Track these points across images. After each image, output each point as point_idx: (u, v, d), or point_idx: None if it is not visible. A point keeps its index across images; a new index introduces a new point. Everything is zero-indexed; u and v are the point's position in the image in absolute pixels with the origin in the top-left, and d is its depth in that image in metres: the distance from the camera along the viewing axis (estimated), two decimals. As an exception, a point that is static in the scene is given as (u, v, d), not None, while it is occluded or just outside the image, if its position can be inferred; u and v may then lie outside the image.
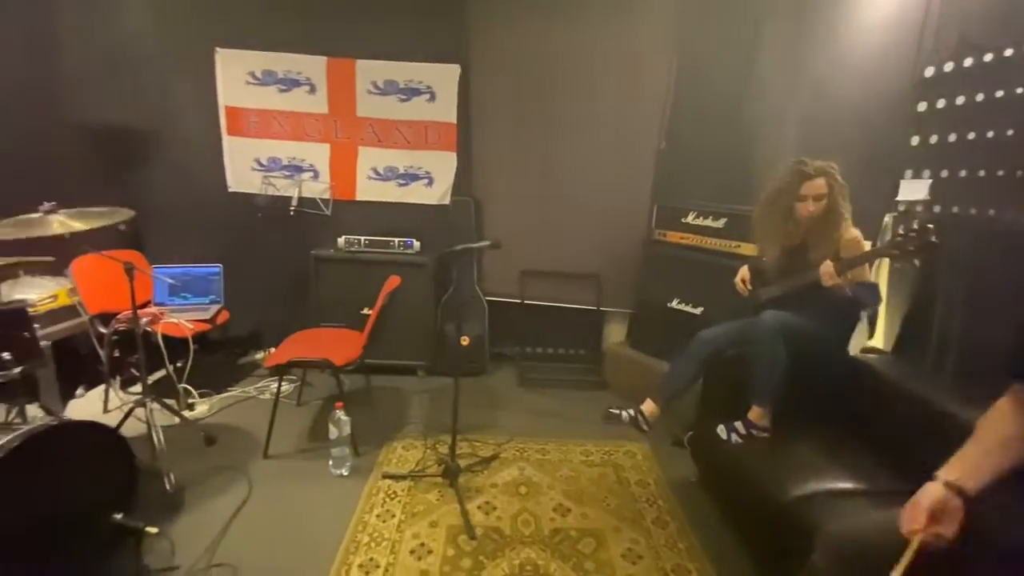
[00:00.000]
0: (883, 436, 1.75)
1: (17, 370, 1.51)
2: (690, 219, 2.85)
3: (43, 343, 2.40)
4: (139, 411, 2.17)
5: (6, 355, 1.47)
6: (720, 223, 2.72)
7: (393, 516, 1.95)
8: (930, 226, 1.66)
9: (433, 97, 3.21)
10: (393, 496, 2.07)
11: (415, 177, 3.32)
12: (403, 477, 2.18)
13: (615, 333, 3.47)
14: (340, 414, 2.17)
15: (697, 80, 3.07)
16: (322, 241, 3.18)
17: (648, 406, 2.19)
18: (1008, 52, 1.78)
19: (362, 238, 3.11)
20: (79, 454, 1.49)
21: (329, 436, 2.18)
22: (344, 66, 3.16)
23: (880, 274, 2.22)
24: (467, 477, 2.20)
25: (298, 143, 3.25)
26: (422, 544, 1.81)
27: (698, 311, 2.78)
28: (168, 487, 1.93)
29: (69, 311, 2.59)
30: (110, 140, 3.08)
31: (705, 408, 2.21)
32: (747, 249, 2.57)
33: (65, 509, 1.44)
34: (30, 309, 2.40)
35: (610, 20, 3.06)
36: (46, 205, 1.78)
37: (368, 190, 3.33)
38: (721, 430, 1.94)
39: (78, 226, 1.88)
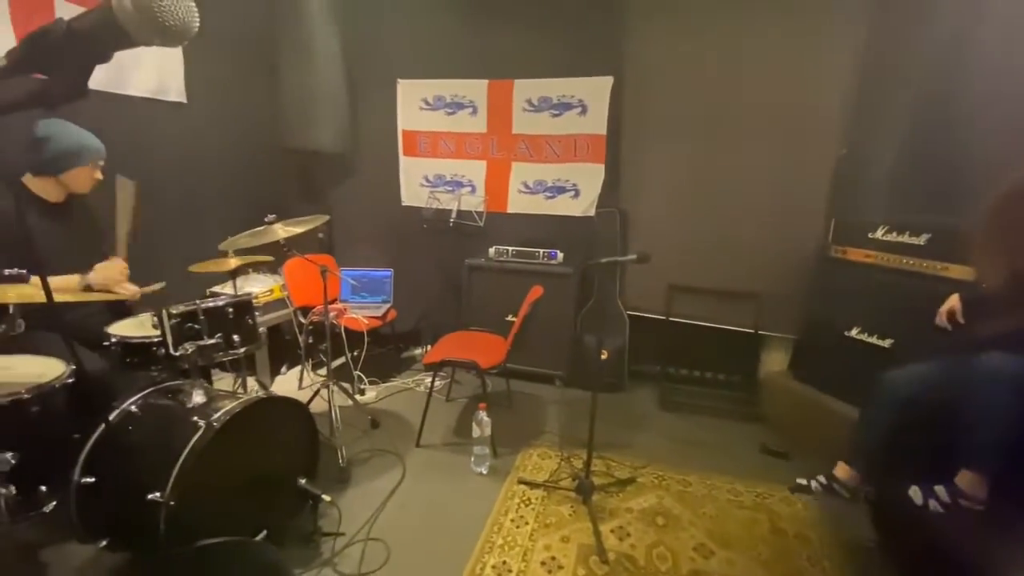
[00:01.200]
0: None
1: (243, 350, 1.87)
2: (879, 234, 2.40)
3: (261, 328, 2.96)
4: (323, 391, 2.54)
5: (236, 337, 1.83)
6: (921, 239, 2.24)
7: (526, 523, 1.97)
8: None
9: (584, 110, 3.22)
10: (527, 503, 2.10)
11: (562, 190, 3.36)
12: (537, 485, 2.19)
13: (775, 361, 3.08)
14: (483, 415, 2.27)
15: (891, 67, 2.59)
16: (476, 250, 3.39)
17: (842, 470, 1.89)
18: None
19: (510, 248, 3.24)
20: (279, 423, 1.79)
21: (472, 434, 2.30)
22: (503, 87, 3.33)
23: None
24: (601, 497, 2.13)
25: (459, 161, 3.52)
26: (553, 558, 1.80)
27: (886, 344, 2.32)
28: (341, 461, 2.22)
29: (280, 303, 3.14)
30: (313, 163, 3.68)
31: (893, 462, 1.84)
32: (958, 272, 2.08)
33: (266, 469, 1.73)
34: (254, 300, 3.00)
35: (782, 14, 2.75)
36: (270, 217, 2.18)
37: (518, 203, 3.45)
38: (915, 493, 1.60)
39: (294, 232, 2.28)
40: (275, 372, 3.24)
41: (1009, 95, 2.22)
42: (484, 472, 2.30)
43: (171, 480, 1.43)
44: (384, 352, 3.46)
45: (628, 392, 3.23)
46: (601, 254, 3.09)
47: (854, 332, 2.45)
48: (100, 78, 2.50)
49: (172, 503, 1.41)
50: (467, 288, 3.31)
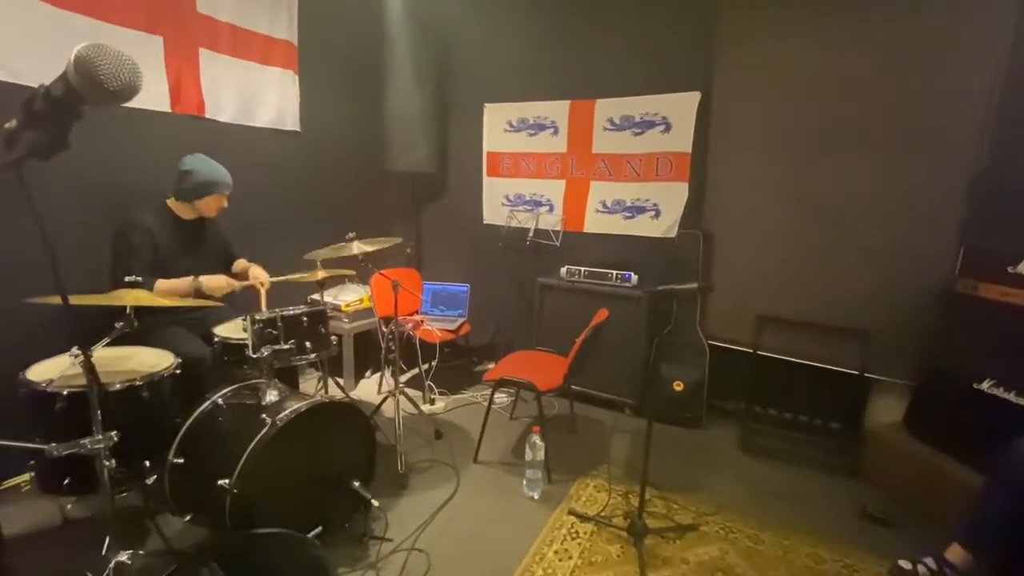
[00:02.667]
0: None
1: (313, 355, 2.03)
2: (1023, 268, 1.96)
3: (345, 334, 3.20)
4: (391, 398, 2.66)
5: (308, 344, 2.00)
6: (1084, 279, 1.79)
7: (570, 557, 1.88)
8: None
9: (668, 128, 3.07)
10: (575, 536, 2.00)
11: (642, 209, 3.22)
12: (588, 519, 2.09)
13: (885, 410, 2.64)
14: (536, 438, 2.22)
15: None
16: (550, 269, 3.36)
17: (956, 553, 1.59)
18: None
19: (582, 268, 3.17)
20: (339, 426, 1.90)
21: (525, 457, 2.26)
22: (585, 107, 3.30)
23: None
24: (655, 541, 1.97)
25: (539, 180, 3.54)
26: (591, 598, 1.70)
27: (1028, 403, 1.88)
28: (400, 468, 2.30)
29: (369, 312, 3.38)
30: (409, 183, 3.93)
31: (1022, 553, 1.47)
32: None
33: (325, 469, 1.85)
34: (342, 307, 3.25)
35: (906, 16, 2.40)
36: (350, 234, 2.36)
37: (596, 222, 3.37)
38: None
39: (370, 249, 2.44)
40: (360, 375, 3.47)
41: None
42: (536, 497, 2.24)
43: (238, 469, 1.59)
44: (457, 365, 3.55)
45: (705, 429, 2.97)
46: (680, 278, 2.91)
47: (986, 385, 2.02)
48: (233, 113, 2.92)
49: (236, 491, 1.56)
50: (538, 307, 3.29)
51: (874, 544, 1.97)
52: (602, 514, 2.12)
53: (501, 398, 3.18)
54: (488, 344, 3.80)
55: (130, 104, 2.35)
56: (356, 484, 1.89)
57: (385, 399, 2.73)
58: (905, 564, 1.67)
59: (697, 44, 2.93)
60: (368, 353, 3.55)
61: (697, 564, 1.87)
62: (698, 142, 3.02)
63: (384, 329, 3.25)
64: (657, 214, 3.18)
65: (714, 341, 3.02)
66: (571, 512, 2.13)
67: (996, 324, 2.03)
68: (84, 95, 0.70)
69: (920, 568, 1.63)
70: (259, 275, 2.30)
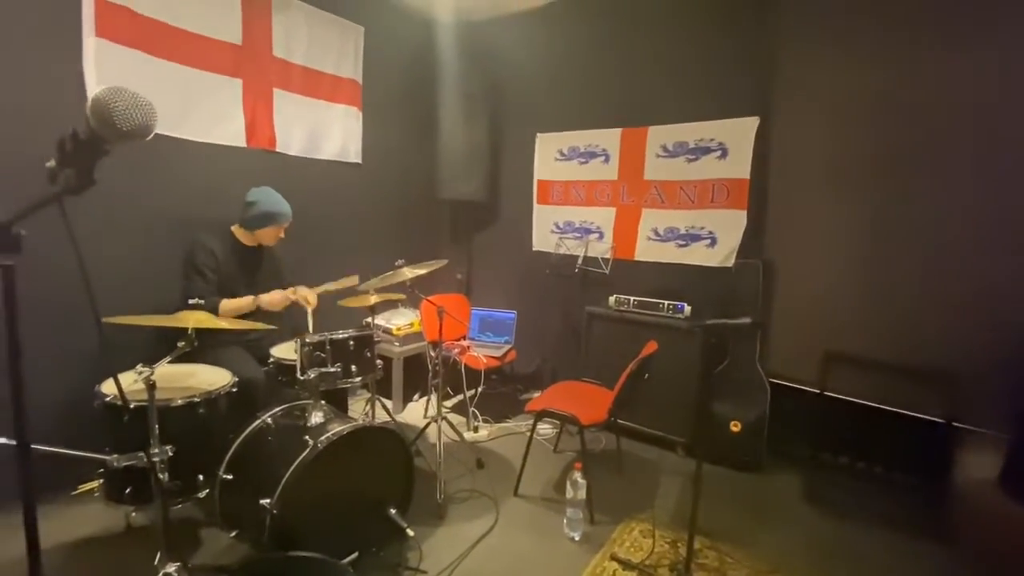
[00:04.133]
0: None
1: (359, 379, 2.07)
2: None
3: (395, 358, 3.25)
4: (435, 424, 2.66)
5: (354, 367, 2.04)
6: None
7: (609, 607, 1.76)
8: None
9: (725, 154, 2.95)
10: (616, 583, 1.88)
11: (696, 237, 3.08)
12: (631, 566, 1.95)
13: (979, 465, 2.32)
14: (578, 476, 2.13)
15: None
16: (599, 298, 3.28)
17: None
18: None
19: (631, 298, 3.06)
20: (378, 452, 1.91)
21: (566, 494, 2.16)
22: (637, 134, 3.25)
23: None
24: (704, 596, 1.81)
25: (589, 208, 3.49)
26: (631, 657, 1.57)
27: None
28: (439, 497, 2.27)
29: (419, 336, 3.43)
30: (461, 211, 4.01)
31: None
32: None
33: (363, 494, 1.85)
34: (394, 330, 3.32)
35: (975, 38, 2.22)
36: (399, 261, 2.41)
37: (647, 251, 3.27)
38: None
39: (418, 274, 2.49)
40: (408, 398, 3.51)
41: None
42: (576, 538, 2.13)
43: (279, 490, 1.62)
44: (502, 392, 3.51)
45: (765, 474, 2.73)
46: (738, 310, 2.75)
47: (1108, 446, 1.72)
48: (301, 146, 3.12)
49: (276, 511, 1.59)
50: (586, 336, 3.20)
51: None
52: (647, 562, 1.98)
53: (545, 429, 3.10)
54: (534, 372, 3.74)
55: (210, 139, 2.63)
56: (392, 511, 1.88)
57: (428, 424, 2.73)
58: None
59: (755, 69, 2.83)
60: (418, 377, 3.59)
61: (752, 629, 1.69)
62: (757, 168, 2.88)
63: (432, 354, 3.28)
64: (713, 242, 3.04)
65: (776, 379, 2.80)
66: (613, 557, 2.00)
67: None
68: (101, 135, 0.75)
69: None
70: (306, 295, 2.37)
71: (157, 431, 1.54)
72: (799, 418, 2.75)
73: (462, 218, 4.05)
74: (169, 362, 1.65)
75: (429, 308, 3.35)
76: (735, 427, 2.73)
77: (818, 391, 2.68)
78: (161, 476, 1.53)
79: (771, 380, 2.78)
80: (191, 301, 1.77)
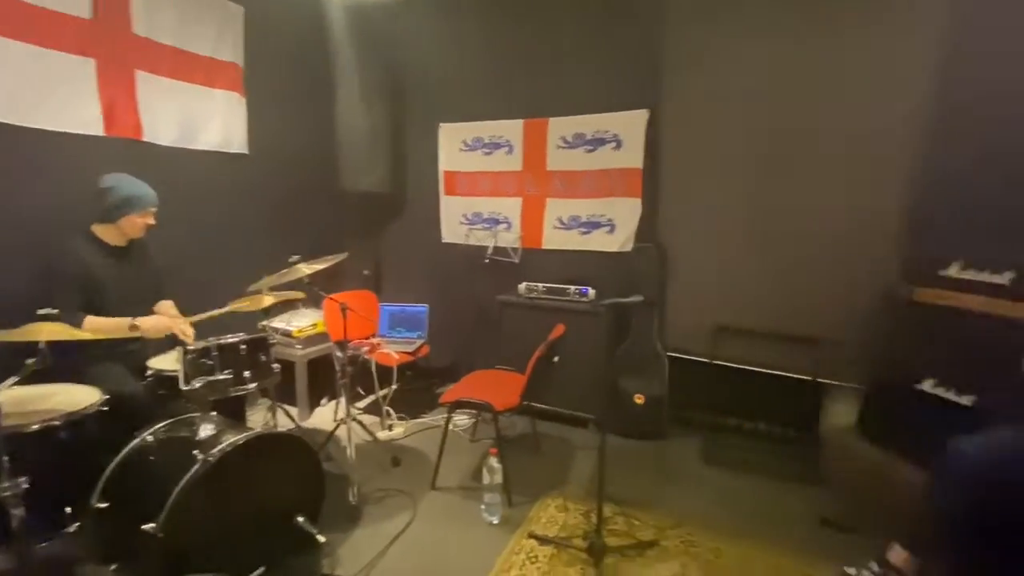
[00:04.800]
0: None
1: (253, 385, 1.95)
2: (953, 272, 2.06)
3: (298, 361, 3.11)
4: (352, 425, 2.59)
5: (247, 373, 1.92)
6: (1004, 278, 1.89)
7: (527, 583, 1.84)
8: None
9: (619, 145, 3.15)
10: (534, 560, 1.96)
11: (597, 225, 3.27)
12: (547, 541, 2.05)
13: (841, 415, 2.70)
14: (493, 461, 2.19)
15: (972, 85, 2.28)
16: (510, 287, 3.36)
17: (899, 556, 1.62)
18: None
19: (540, 285, 3.18)
20: (281, 460, 1.83)
21: (483, 481, 2.21)
22: (538, 125, 3.36)
23: None
24: (615, 559, 1.94)
25: (496, 199, 3.56)
26: (548, 626, 1.65)
27: (965, 401, 1.95)
28: (352, 499, 2.22)
29: (323, 337, 3.30)
30: (366, 203, 3.89)
31: (964, 553, 1.51)
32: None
33: (266, 505, 1.76)
34: (294, 332, 3.16)
35: (844, 35, 2.55)
36: (294, 257, 2.30)
37: (553, 239, 3.41)
38: None
39: (316, 270, 2.39)
40: (316, 403, 3.37)
41: None
42: (495, 521, 2.19)
43: (165, 512, 1.50)
44: (418, 388, 3.48)
45: (669, 441, 2.98)
46: (637, 291, 2.95)
47: (927, 385, 2.10)
48: (174, 136, 2.85)
49: (163, 535, 1.47)
50: (499, 325, 3.27)
51: (835, 551, 1.98)
52: (562, 535, 2.09)
53: (463, 420, 3.13)
54: (450, 365, 3.75)
55: (59, 127, 2.32)
56: (301, 519, 1.81)
57: (337, 427, 2.65)
58: (850, 570, 1.69)
59: (645, 63, 3.03)
60: (326, 380, 3.45)
61: (657, 582, 1.85)
62: (649, 158, 3.10)
63: (339, 354, 3.17)
64: (612, 229, 3.24)
65: (674, 353, 3.06)
66: (530, 535, 2.09)
67: (933, 326, 2.11)
68: None
69: (864, 573, 1.65)
70: (183, 327, 2.13)
71: (7, 462, 1.36)
72: (696, 387, 3.02)
73: (366, 211, 3.93)
74: (17, 383, 1.46)
75: (332, 306, 3.23)
76: (639, 400, 2.94)
77: (710, 360, 2.95)
78: (16, 512, 1.35)
79: (669, 354, 3.03)
80: (41, 312, 1.55)
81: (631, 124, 3.09)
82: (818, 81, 2.64)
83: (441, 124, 3.66)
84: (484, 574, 1.89)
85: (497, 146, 3.50)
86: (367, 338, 3.28)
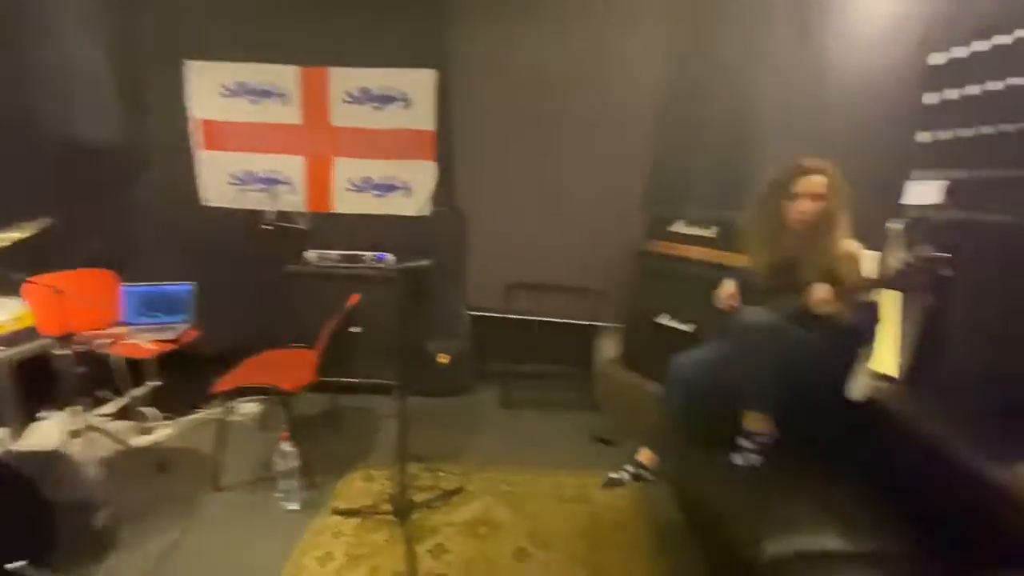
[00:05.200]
0: (886, 485, 1.49)
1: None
2: (678, 228, 2.61)
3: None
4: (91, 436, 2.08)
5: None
6: (711, 231, 2.47)
7: (332, 559, 1.78)
8: (941, 256, 1.40)
9: (408, 104, 3.08)
10: (339, 535, 1.91)
11: (392, 187, 3.18)
12: (353, 513, 2.01)
13: (609, 351, 3.24)
14: (285, 446, 2.03)
15: (691, 77, 2.86)
16: (298, 256, 3.07)
17: (646, 455, 1.99)
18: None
19: (333, 252, 2.99)
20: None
21: (276, 469, 2.04)
22: (317, 75, 3.06)
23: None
24: (423, 514, 2.02)
25: (273, 155, 3.16)
26: (358, 595, 1.64)
27: (689, 328, 2.53)
28: (97, 523, 1.81)
29: (32, 332, 2.53)
30: (85, 157, 3.05)
31: (688, 436, 1.97)
32: (741, 260, 2.32)
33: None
34: (-14, 331, 2.37)
35: (597, 22, 2.90)
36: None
37: (346, 202, 3.20)
38: (736, 457, 1.70)
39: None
40: (30, 418, 2.61)
41: (785, 103, 2.54)
42: (297, 507, 2.05)
43: None
44: (188, 380, 2.97)
45: (474, 394, 3.18)
46: (439, 254, 3.00)
47: (664, 320, 2.64)
48: None
49: None
50: (287, 299, 2.98)
51: (603, 461, 2.37)
52: (368, 505, 2.07)
53: (251, 409, 2.80)
54: (231, 350, 3.28)
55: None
56: (20, 565, 1.41)
57: (66, 443, 2.11)
58: (614, 475, 2.07)
59: (432, 22, 2.98)
60: (46, 387, 2.69)
61: (463, 524, 1.98)
62: (443, 121, 3.11)
63: (60, 352, 2.49)
64: (408, 192, 3.19)
65: (476, 311, 3.22)
66: (334, 511, 2.02)
67: (665, 271, 2.65)
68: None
69: (622, 474, 2.04)
70: None
71: None
72: (495, 341, 3.26)
73: (88, 168, 3.08)
74: None
75: (40, 291, 2.53)
76: (443, 359, 3.04)
77: (504, 315, 3.20)
78: None
79: (470, 312, 3.19)
80: None
81: (420, 84, 3.04)
82: (578, 66, 2.96)
83: (190, 63, 3.05)
84: (282, 563, 1.76)
85: (267, 93, 3.08)
86: (108, 328, 2.64)
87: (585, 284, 3.18)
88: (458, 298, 3.18)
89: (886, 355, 1.98)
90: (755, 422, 1.67)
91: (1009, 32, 1.55)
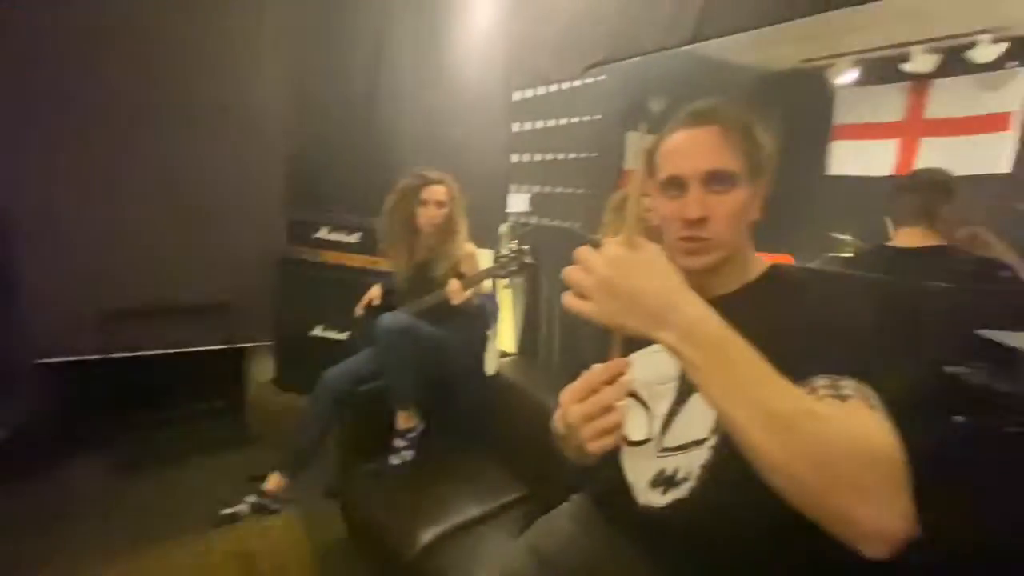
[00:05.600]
0: (511, 445, 1.79)
1: None
2: (323, 234, 2.54)
3: None
4: None
5: None
6: (354, 237, 2.50)
7: None
8: (526, 247, 1.77)
9: None
10: None
11: None
12: None
13: (265, 373, 2.89)
14: None
15: (325, 75, 2.81)
16: None
17: (273, 482, 1.78)
18: (574, 84, 2.06)
19: None
20: None
21: None
22: None
23: (500, 281, 2.39)
24: None
25: None
26: None
27: (343, 337, 2.50)
28: None
29: None
30: None
31: (349, 450, 1.93)
32: (386, 264, 2.42)
33: None
34: None
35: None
36: None
37: None
38: (392, 459, 1.70)
39: None
40: None
41: (419, 109, 2.74)
42: None
43: None
44: None
45: (63, 470, 2.30)
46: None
47: (319, 331, 2.52)
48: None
49: None
50: None
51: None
52: None
53: None
54: None
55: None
56: None
57: None
58: (228, 510, 1.80)
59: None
60: None
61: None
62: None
63: None
64: None
65: (50, 359, 2.32)
66: None
67: (314, 279, 2.54)
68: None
69: (241, 507, 1.80)
70: None
71: None
72: (90, 393, 2.43)
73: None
74: None
75: None
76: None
77: (103, 356, 2.43)
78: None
79: (46, 361, 2.29)
80: None
81: None
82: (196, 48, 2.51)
83: None
84: None
85: None
86: None
87: (223, 300, 2.73)
88: (16, 344, 2.23)
89: (507, 334, 2.43)
90: (403, 420, 1.76)
91: (568, 81, 2.08)
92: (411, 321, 1.79)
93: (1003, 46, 2.61)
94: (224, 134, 2.63)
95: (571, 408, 0.66)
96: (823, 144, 4.11)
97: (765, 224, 0.83)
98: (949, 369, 0.80)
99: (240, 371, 2.82)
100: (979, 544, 0.76)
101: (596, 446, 0.64)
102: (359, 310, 2.02)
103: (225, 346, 2.73)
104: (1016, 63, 2.87)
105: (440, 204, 1.94)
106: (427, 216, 1.93)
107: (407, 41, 2.85)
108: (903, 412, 0.84)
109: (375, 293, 2.06)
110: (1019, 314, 0.88)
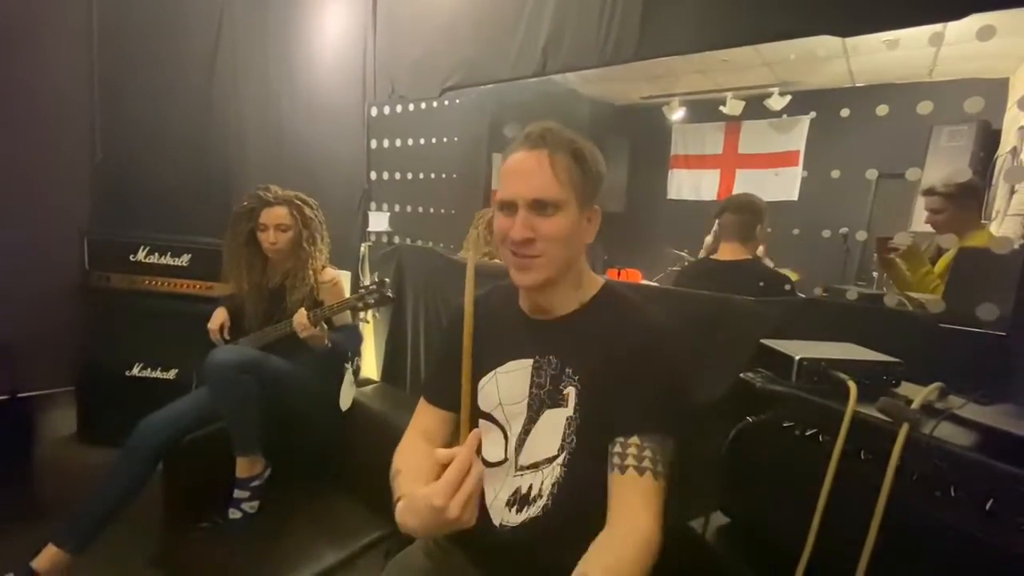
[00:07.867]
0: (370, 483, 1.74)
1: None
2: (142, 256, 2.24)
3: None
4: None
5: None
6: (184, 260, 2.25)
7: None
8: (386, 280, 1.74)
9: None
10: None
11: None
12: None
13: (60, 426, 2.44)
14: None
15: (141, 76, 2.50)
16: None
17: (48, 556, 1.48)
18: (432, 104, 2.10)
19: None
20: None
21: None
22: None
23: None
24: None
25: None
26: None
27: (171, 375, 2.22)
28: None
29: None
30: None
31: (176, 508, 1.71)
32: (224, 290, 2.21)
33: None
34: None
35: None
36: None
37: None
38: (232, 512, 1.53)
39: None
40: None
41: (268, 119, 2.55)
42: None
43: None
44: None
45: None
46: None
47: (136, 370, 2.21)
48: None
49: None
50: None
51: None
52: None
53: None
54: None
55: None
56: None
57: None
58: None
59: None
60: None
61: None
62: None
63: None
64: None
65: None
66: None
67: (134, 311, 2.22)
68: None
69: None
70: None
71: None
72: None
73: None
74: None
75: None
76: None
77: None
78: None
79: None
80: None
81: None
82: None
83: None
84: None
85: None
86: None
87: (2, 340, 2.26)
88: None
89: (371, 362, 2.36)
90: (245, 468, 1.61)
91: (426, 101, 2.11)
92: (250, 354, 1.65)
93: (788, 98, 3.39)
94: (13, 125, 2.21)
95: (450, 507, 0.72)
96: (665, 172, 4.79)
97: (619, 242, 0.96)
98: (743, 375, 0.98)
99: (28, 426, 2.34)
100: (767, 519, 0.94)
101: (470, 515, 0.75)
102: (215, 336, 1.82)
103: (5, 396, 2.25)
104: (799, 112, 3.76)
105: (282, 228, 1.81)
106: (268, 241, 1.79)
107: (255, 42, 2.66)
108: (708, 417, 1.02)
109: (223, 318, 1.87)
110: (792, 323, 1.13)
